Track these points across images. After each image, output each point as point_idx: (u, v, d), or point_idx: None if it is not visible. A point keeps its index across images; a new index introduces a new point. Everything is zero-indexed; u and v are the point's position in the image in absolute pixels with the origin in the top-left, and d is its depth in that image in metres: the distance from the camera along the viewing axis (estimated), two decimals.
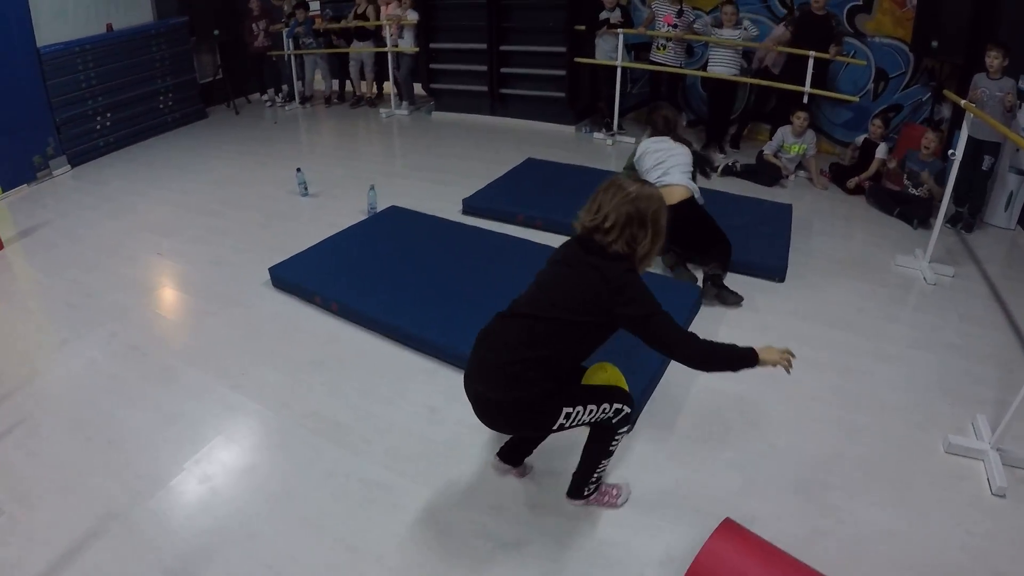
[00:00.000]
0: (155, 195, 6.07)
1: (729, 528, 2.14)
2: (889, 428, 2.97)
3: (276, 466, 2.79)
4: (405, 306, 3.72)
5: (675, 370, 3.27)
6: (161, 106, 8.18)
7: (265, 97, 9.36)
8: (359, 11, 8.32)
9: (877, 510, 2.54)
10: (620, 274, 2.02)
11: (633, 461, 2.75)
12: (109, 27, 7.56)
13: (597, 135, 7.24)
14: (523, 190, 5.50)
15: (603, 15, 6.77)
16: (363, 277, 4.08)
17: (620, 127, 7.16)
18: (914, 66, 6.31)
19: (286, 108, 9.07)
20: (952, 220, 5.14)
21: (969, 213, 5.16)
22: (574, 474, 2.45)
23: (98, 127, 7.34)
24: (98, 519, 2.53)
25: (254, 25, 8.63)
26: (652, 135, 4.32)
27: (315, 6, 9.31)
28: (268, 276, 4.25)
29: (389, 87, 8.76)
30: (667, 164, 4.07)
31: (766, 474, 2.70)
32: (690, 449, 2.84)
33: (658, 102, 4.80)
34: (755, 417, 3.02)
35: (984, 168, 4.99)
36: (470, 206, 5.26)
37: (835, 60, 6.02)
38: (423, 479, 2.68)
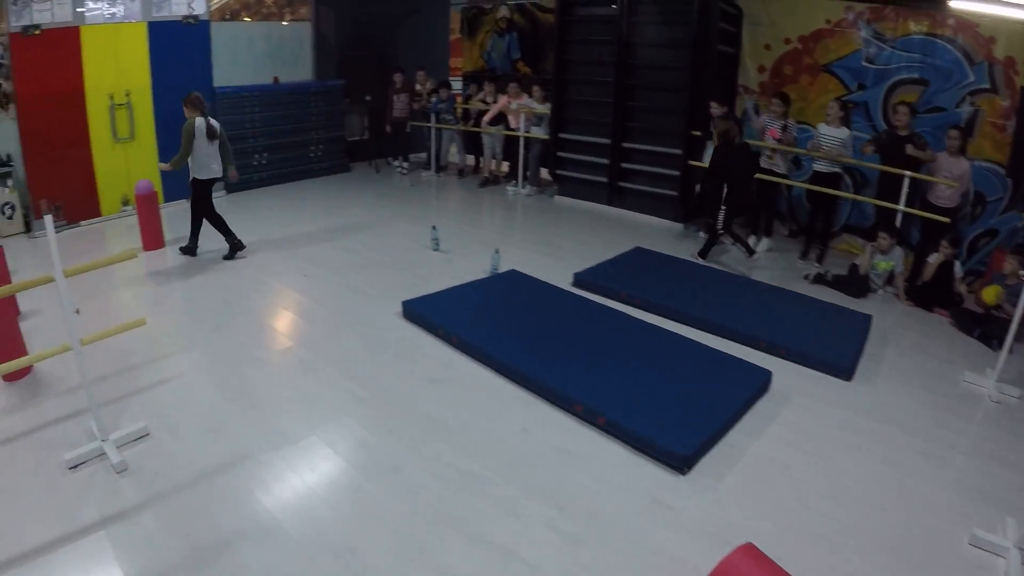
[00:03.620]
0: (299, 227, 6.80)
1: (749, 550, 2.33)
2: (920, 516, 3.06)
3: (390, 446, 3.20)
4: (514, 348, 4.11)
5: (737, 431, 3.55)
6: (311, 155, 9.17)
7: (396, 163, 10.21)
8: (485, 98, 9.24)
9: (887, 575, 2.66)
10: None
11: (683, 491, 3.05)
12: (276, 80, 8.82)
13: (703, 234, 7.58)
14: (629, 273, 5.86)
15: None
16: (481, 320, 4.52)
17: None
18: (1012, 191, 6.25)
19: (422, 175, 9.85)
20: None
21: None
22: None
23: (255, 163, 8.32)
24: (233, 455, 2.98)
25: (395, 97, 9.57)
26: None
27: (458, 86, 10.31)
28: (399, 308, 4.72)
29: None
30: None
31: (792, 526, 2.90)
32: (733, 497, 3.06)
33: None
34: (797, 483, 3.18)
35: None
36: (580, 279, 5.64)
37: (920, 158, 5.97)
38: (506, 476, 3.06)
